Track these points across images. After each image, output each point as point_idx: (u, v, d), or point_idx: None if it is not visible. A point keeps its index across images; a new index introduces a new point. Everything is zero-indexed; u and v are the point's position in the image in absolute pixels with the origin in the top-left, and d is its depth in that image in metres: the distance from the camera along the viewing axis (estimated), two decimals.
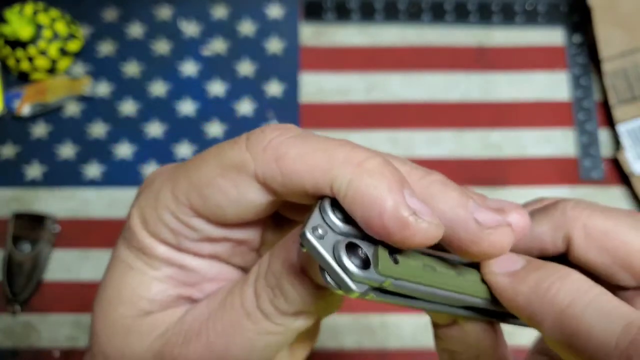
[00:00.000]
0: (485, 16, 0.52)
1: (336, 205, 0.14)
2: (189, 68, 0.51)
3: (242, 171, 0.15)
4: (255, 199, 0.15)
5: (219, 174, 0.15)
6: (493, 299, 0.16)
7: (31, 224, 0.46)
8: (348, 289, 0.13)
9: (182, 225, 0.16)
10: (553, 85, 0.51)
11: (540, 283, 0.15)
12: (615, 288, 0.17)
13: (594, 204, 0.17)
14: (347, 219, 0.14)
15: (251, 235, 0.17)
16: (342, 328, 0.45)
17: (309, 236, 0.13)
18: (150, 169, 0.49)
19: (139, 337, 0.16)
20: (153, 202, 0.16)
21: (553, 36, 0.52)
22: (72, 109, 0.50)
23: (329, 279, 0.13)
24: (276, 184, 0.15)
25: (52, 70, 0.50)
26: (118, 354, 0.16)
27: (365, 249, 0.14)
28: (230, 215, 0.16)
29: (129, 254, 0.17)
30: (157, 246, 0.16)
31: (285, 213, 0.18)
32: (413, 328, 0.45)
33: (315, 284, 0.15)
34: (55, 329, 0.45)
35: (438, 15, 0.52)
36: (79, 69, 0.51)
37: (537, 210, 0.18)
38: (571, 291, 0.14)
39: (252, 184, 0.15)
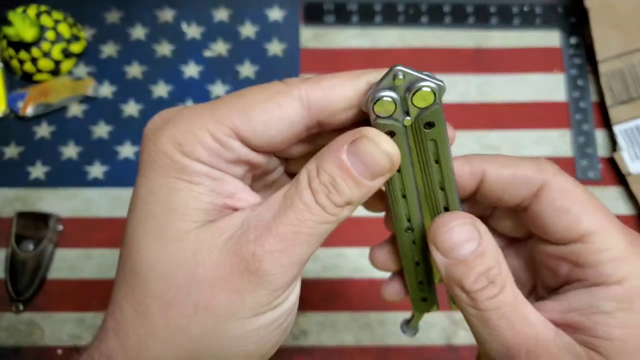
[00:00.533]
0: (482, 18, 0.53)
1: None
2: (191, 69, 0.52)
3: (287, 94, 0.19)
4: (295, 118, 0.19)
5: (266, 99, 0.18)
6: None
7: (35, 223, 0.47)
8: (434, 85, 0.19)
9: (219, 145, 0.18)
10: (550, 87, 0.51)
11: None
12: (515, 210, 0.22)
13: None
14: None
15: (264, 162, 0.20)
16: (342, 326, 0.46)
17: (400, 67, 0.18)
18: None
19: (208, 243, 0.18)
20: (189, 127, 0.18)
21: (550, 38, 0.52)
22: (75, 110, 0.51)
23: (426, 83, 0.18)
24: (318, 99, 0.19)
25: (55, 72, 0.51)
26: (185, 268, 0.18)
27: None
28: (269, 135, 0.19)
29: (168, 179, 0.18)
30: (195, 164, 0.18)
31: (290, 166, 0.22)
32: None
33: (360, 178, 0.19)
34: (58, 327, 0.45)
35: (436, 17, 0.53)
36: (82, 70, 0.52)
37: (497, 159, 0.22)
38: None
39: (296, 104, 0.19)
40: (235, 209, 0.19)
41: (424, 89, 0.18)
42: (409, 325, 0.26)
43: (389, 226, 0.24)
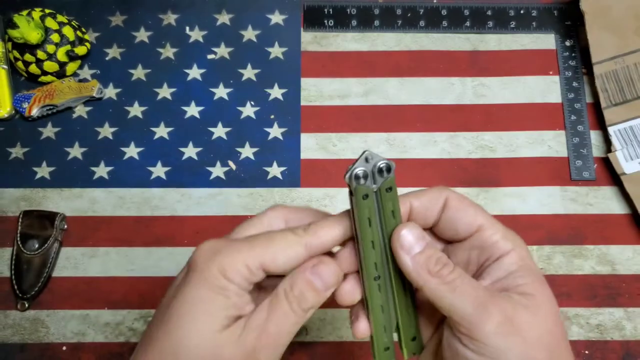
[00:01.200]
0: (479, 22, 0.53)
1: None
2: (194, 72, 0.52)
3: (298, 244, 0.27)
4: (301, 257, 0.27)
5: (286, 247, 0.27)
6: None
7: (40, 222, 0.47)
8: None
9: (249, 274, 0.26)
10: (545, 88, 0.52)
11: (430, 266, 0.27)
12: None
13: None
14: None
15: (267, 281, 0.29)
16: (342, 322, 0.46)
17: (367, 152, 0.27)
18: (156, 169, 0.50)
19: (227, 341, 0.26)
20: (233, 259, 0.26)
21: (545, 40, 0.53)
22: (80, 111, 0.51)
23: (383, 160, 0.27)
24: (317, 246, 0.27)
25: (60, 74, 0.51)
26: (213, 355, 0.26)
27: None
28: (284, 267, 0.27)
29: (211, 292, 0.26)
30: (231, 285, 0.26)
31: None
32: None
33: (320, 290, 0.27)
34: (63, 324, 0.46)
35: (434, 21, 0.53)
36: (87, 72, 0.52)
37: (415, 193, 0.29)
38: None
39: (303, 249, 0.27)
40: (242, 316, 0.27)
41: (383, 164, 0.27)
42: None
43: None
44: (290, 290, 0.27)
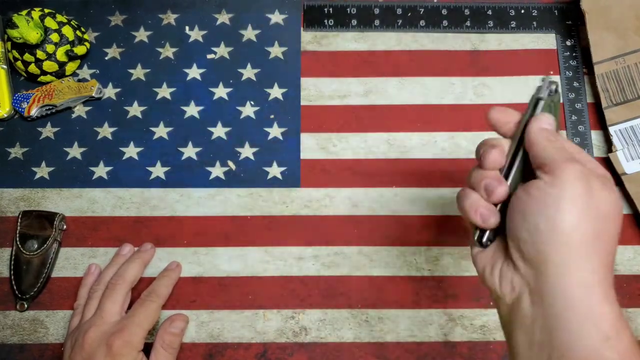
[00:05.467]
0: (479, 21, 0.53)
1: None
2: (194, 72, 0.52)
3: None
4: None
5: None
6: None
7: (39, 222, 0.47)
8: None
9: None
10: None
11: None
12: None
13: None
14: None
15: None
16: (341, 323, 0.46)
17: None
18: (155, 169, 0.50)
19: None
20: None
21: (546, 40, 0.53)
22: (80, 111, 0.51)
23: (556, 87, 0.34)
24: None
25: (59, 73, 0.51)
26: None
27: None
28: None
29: None
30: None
31: None
32: (408, 322, 0.46)
33: (181, 335, 0.45)
34: (62, 324, 0.46)
35: (434, 21, 0.53)
36: (86, 72, 0.52)
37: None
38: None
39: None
40: None
41: (554, 85, 0.33)
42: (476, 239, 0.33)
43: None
44: (163, 343, 0.42)
